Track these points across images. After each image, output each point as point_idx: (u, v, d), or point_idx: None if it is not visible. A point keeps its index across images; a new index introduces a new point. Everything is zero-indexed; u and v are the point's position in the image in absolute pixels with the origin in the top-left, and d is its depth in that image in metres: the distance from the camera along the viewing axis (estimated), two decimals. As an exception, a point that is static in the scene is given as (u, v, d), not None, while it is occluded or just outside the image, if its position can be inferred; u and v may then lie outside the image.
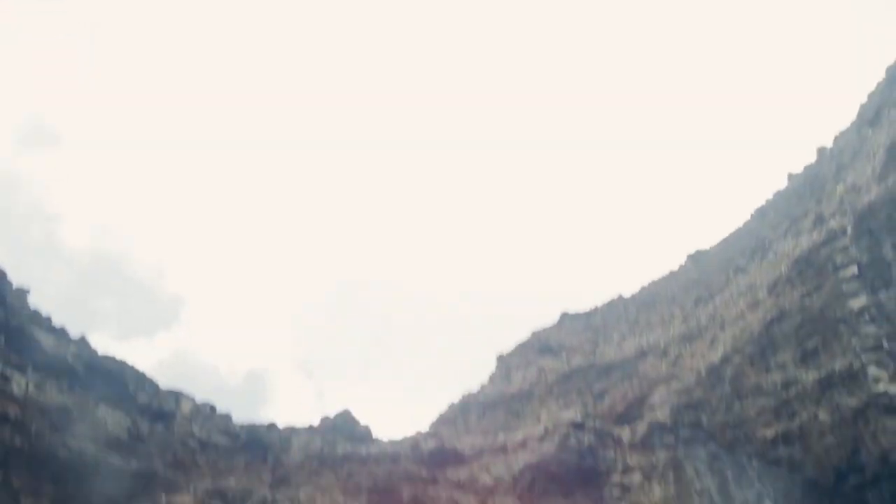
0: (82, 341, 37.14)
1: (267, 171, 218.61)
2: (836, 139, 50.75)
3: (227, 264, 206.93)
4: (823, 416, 37.64)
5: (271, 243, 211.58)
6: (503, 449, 43.38)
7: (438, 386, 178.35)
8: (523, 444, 43.03)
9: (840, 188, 44.58)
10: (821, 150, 51.99)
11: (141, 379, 37.64)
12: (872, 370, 37.05)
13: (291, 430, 40.99)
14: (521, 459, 41.36)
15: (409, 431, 54.86)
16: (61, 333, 36.66)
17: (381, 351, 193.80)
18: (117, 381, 36.66)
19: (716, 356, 43.51)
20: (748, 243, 52.18)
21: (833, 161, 48.59)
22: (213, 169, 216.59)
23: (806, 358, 39.65)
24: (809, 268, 41.72)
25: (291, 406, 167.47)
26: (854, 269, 39.46)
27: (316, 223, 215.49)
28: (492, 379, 55.77)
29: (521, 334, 60.67)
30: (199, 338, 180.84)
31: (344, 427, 42.59)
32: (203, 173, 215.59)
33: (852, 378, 37.53)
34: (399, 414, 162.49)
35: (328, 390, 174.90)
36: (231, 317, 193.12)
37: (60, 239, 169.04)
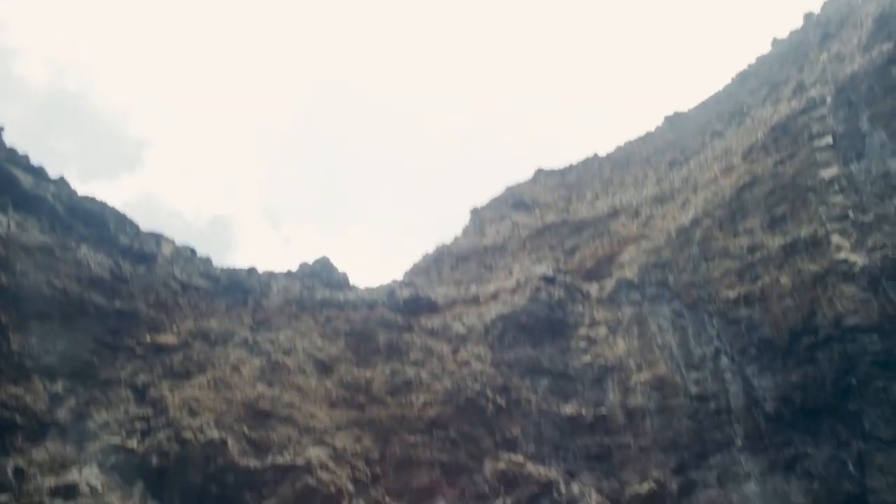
0: (61, 181, 36.90)
1: (231, 8, 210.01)
2: (825, 6, 50.23)
3: (191, 105, 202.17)
4: (785, 280, 39.20)
5: (236, 84, 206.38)
6: (475, 300, 44.76)
7: (410, 236, 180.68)
8: (495, 296, 44.38)
9: (824, 57, 44.57)
10: (808, 17, 51.50)
11: (121, 220, 37.74)
12: (836, 238, 38.42)
13: (270, 275, 41.75)
14: (493, 310, 42.74)
15: (382, 280, 56.15)
16: (40, 172, 36.33)
17: (351, 201, 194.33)
18: (98, 221, 36.75)
19: (686, 218, 44.56)
20: (727, 108, 52.41)
21: (819, 28, 48.25)
22: (173, 3, 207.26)
23: (773, 224, 40.86)
24: (785, 135, 42.30)
25: (257, 253, 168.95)
26: (829, 140, 40.15)
27: (283, 61, 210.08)
28: (465, 231, 56.70)
29: (496, 188, 61.46)
30: (164, 182, 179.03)
31: (322, 273, 43.38)
32: (163, 8, 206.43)
33: (816, 245, 38.93)
34: (370, 263, 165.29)
35: (294, 238, 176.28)
36: (196, 160, 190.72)
37: (18, 75, 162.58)
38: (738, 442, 39.06)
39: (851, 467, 36.32)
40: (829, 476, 36.63)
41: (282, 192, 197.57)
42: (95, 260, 35.15)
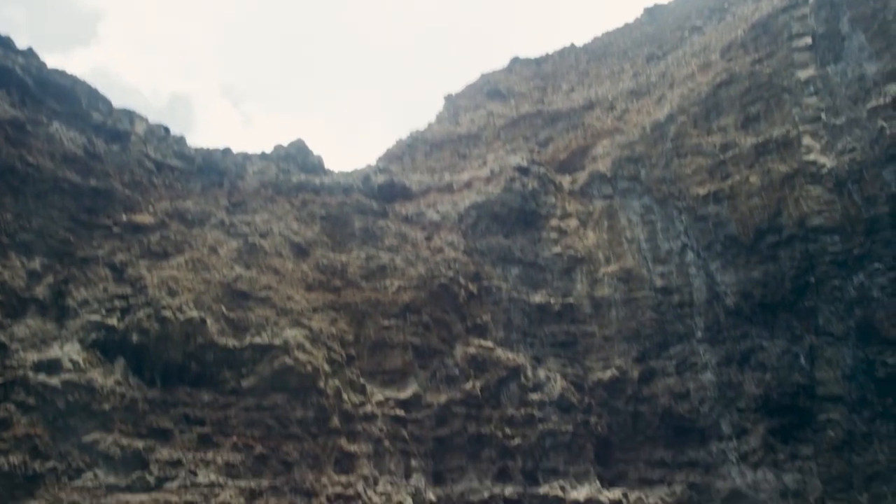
0: (29, 52, 35.71)
1: None
2: None
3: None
4: (754, 179, 40.02)
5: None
6: (449, 188, 45.07)
7: (379, 122, 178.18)
8: (469, 185, 44.71)
9: (809, -47, 44.03)
10: None
11: (94, 96, 36.87)
12: (807, 140, 39.13)
13: (245, 157, 41.39)
14: (467, 199, 43.14)
15: (350, 165, 55.85)
16: (6, 43, 35.10)
17: (315, 81, 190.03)
18: (69, 97, 35.90)
19: (661, 114, 44.83)
20: (707, 2, 51.92)
21: (807, -77, 47.40)
22: None
23: (747, 123, 41.38)
24: (765, 34, 42.30)
25: (218, 133, 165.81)
26: (808, 40, 40.29)
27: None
28: (439, 118, 56.37)
29: (471, 75, 60.82)
30: (120, 56, 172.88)
31: (297, 156, 43.10)
32: None
33: (787, 146, 39.65)
34: (337, 147, 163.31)
35: (256, 119, 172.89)
36: (153, 34, 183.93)
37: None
38: (698, 334, 40.72)
39: (803, 360, 38.20)
40: (781, 368, 38.53)
41: (242, 69, 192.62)
42: (68, 136, 34.52)
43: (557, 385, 38.52)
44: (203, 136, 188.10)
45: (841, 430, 36.75)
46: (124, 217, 34.38)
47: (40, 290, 30.40)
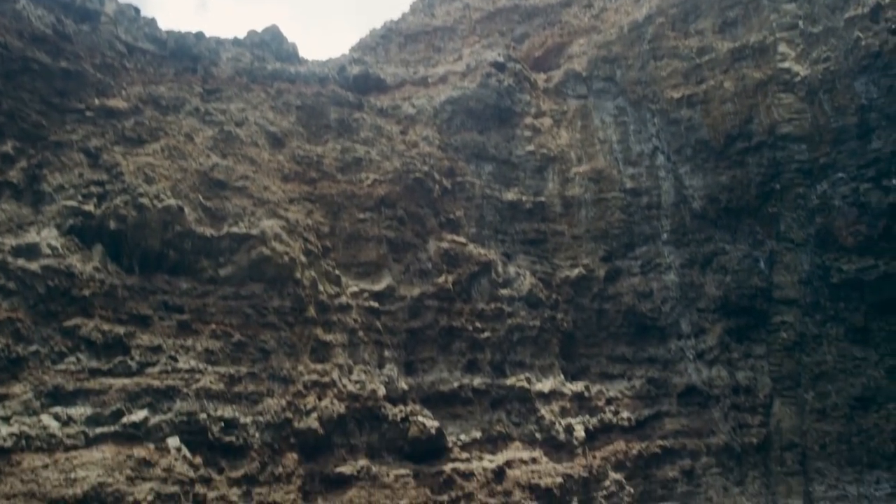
0: (-9, -78, 33.94)
1: None
2: None
3: None
4: (728, 84, 40.44)
5: None
6: (424, 81, 44.61)
7: (344, 11, 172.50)
8: (444, 79, 44.30)
9: None
10: None
11: (61, -28, 35.37)
12: (782, 47, 39.50)
13: (218, 42, 40.27)
14: (442, 94, 42.81)
15: (320, 55, 54.59)
16: None
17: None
18: (35, -29, 34.39)
19: (639, 14, 44.58)
20: None
21: None
22: None
23: (724, 28, 41.51)
24: (749, -64, 41.85)
25: (172, 17, 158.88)
26: (791, -56, 40.05)
27: None
28: (413, 9, 55.13)
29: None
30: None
31: (271, 43, 42.08)
32: None
33: (762, 52, 39.99)
34: (304, 37, 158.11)
35: (212, 2, 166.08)
36: None
37: None
38: (664, 236, 41.85)
39: (762, 264, 39.69)
40: (741, 271, 40.00)
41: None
42: (36, 14, 33.25)
43: (526, 281, 39.51)
44: (156, 18, 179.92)
45: (793, 331, 38.62)
46: (97, 101, 33.51)
47: (14, 174, 29.83)
